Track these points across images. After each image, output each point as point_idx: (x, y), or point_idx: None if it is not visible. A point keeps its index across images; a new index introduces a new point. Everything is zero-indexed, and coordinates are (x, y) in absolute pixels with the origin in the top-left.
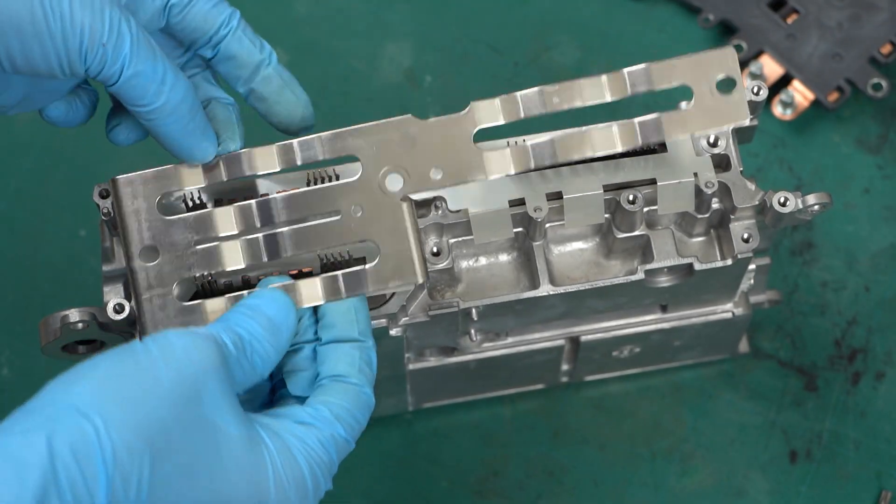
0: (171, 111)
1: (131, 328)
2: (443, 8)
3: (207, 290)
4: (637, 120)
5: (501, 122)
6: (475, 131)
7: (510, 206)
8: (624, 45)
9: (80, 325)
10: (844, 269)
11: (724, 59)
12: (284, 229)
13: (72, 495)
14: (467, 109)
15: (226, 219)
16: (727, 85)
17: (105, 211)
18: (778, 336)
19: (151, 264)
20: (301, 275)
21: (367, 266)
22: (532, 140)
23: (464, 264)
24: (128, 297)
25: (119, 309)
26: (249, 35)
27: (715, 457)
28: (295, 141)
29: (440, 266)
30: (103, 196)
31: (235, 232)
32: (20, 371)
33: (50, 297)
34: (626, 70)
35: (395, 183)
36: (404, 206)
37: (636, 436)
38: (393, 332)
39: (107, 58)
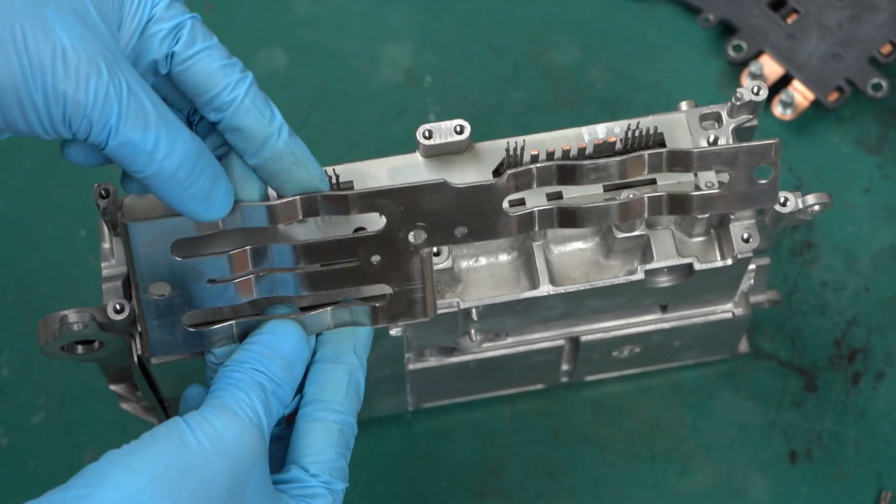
0: (165, 179)
1: (131, 328)
2: (443, 8)
3: (217, 314)
4: (667, 192)
5: (535, 187)
6: (508, 198)
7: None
8: (624, 45)
9: (78, 325)
10: (844, 269)
11: (767, 151)
12: (300, 272)
13: None
14: (503, 177)
15: (241, 262)
16: (763, 172)
17: (105, 210)
18: (778, 336)
19: (161, 297)
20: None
21: (379, 304)
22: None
23: (464, 264)
24: (127, 297)
25: (119, 309)
26: (259, 105)
27: (715, 457)
28: (320, 195)
29: (440, 266)
30: (103, 196)
31: (250, 270)
32: (20, 371)
33: (50, 297)
34: (667, 150)
35: (417, 237)
36: (423, 255)
37: (636, 436)
38: (393, 332)
39: (91, 126)
